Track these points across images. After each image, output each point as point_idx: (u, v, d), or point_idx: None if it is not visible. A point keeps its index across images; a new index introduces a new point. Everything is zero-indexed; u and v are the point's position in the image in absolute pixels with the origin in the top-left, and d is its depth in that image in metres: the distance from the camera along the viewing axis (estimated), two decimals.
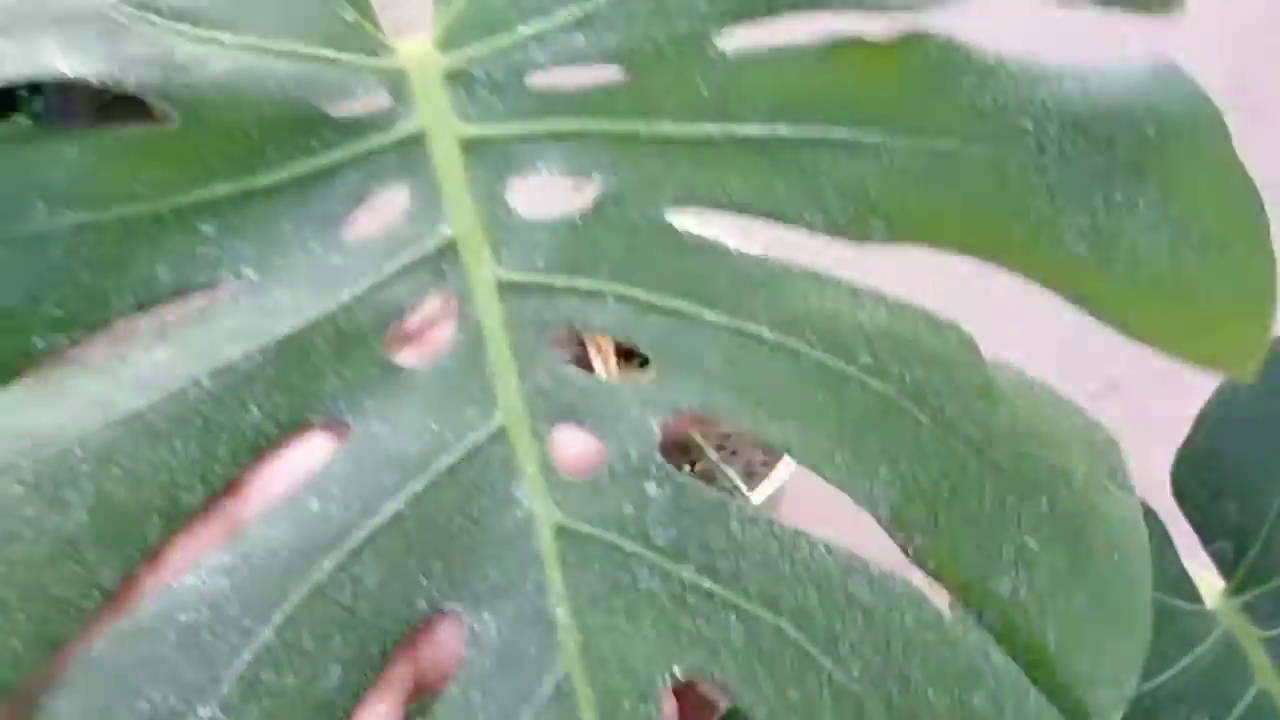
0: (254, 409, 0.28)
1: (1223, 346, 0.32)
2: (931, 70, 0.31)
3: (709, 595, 0.29)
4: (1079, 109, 0.31)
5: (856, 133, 0.31)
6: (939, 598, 0.31)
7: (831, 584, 0.30)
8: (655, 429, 0.30)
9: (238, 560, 0.27)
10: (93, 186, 0.28)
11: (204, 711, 0.26)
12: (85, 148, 0.28)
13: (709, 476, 0.67)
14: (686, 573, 0.29)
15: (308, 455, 0.28)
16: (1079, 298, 0.31)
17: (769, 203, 0.31)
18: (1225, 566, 0.51)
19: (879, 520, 0.30)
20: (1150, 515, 0.47)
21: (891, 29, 0.31)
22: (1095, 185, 0.31)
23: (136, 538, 0.26)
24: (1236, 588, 0.51)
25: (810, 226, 0.31)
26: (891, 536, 0.31)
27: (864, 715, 0.29)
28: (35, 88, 1.46)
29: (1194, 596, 0.50)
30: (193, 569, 0.26)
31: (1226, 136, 0.31)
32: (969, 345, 0.32)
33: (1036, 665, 0.30)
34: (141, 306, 0.29)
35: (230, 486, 0.27)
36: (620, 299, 0.31)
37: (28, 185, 0.27)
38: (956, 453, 0.31)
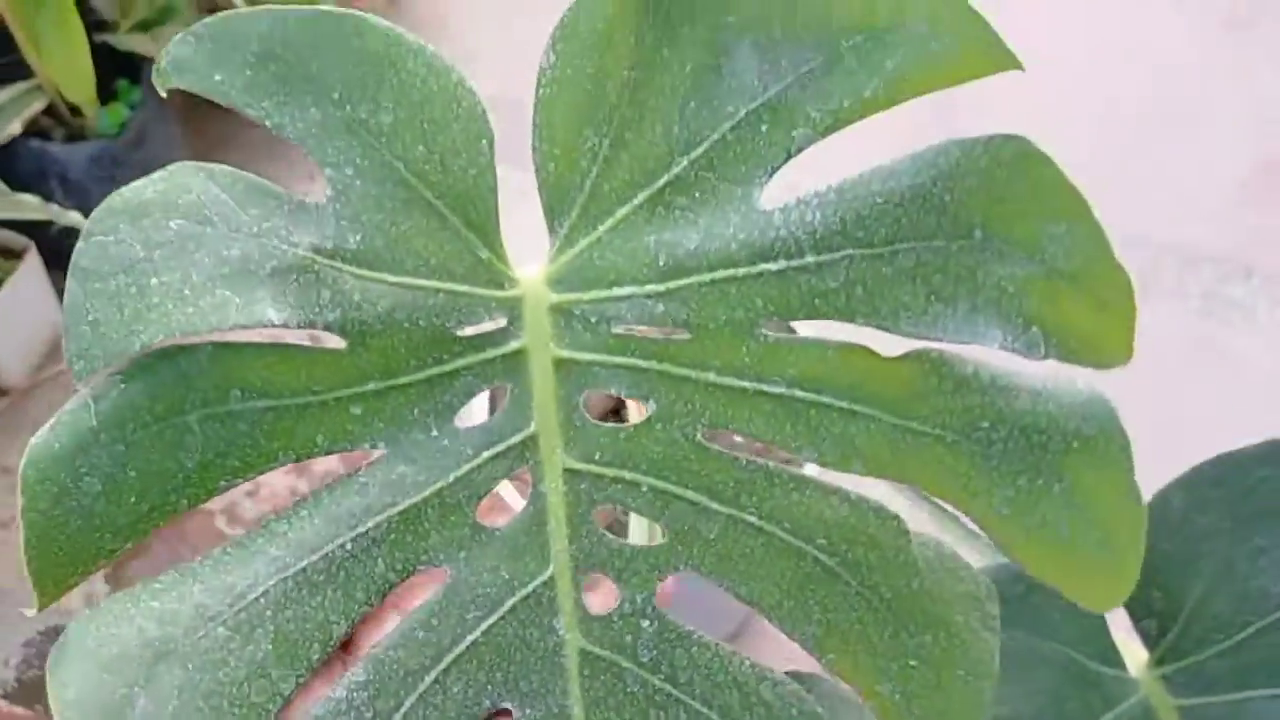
0: (381, 563, 0.39)
1: (1090, 597, 0.42)
2: (918, 377, 0.40)
3: (669, 695, 0.41)
4: (1025, 420, 0.40)
5: (851, 405, 0.40)
6: None
7: (748, 688, 0.42)
8: (657, 583, 0.42)
9: (370, 677, 0.38)
10: (276, 383, 0.38)
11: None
12: (276, 356, 0.37)
13: None
14: (657, 681, 0.41)
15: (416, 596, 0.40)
16: (997, 542, 0.42)
17: (780, 439, 0.41)
18: (1150, 642, 0.59)
19: (805, 648, 0.42)
20: None
21: (898, 346, 0.39)
22: (1024, 473, 0.41)
23: (304, 660, 0.37)
24: (1157, 661, 0.59)
25: (808, 460, 0.41)
26: (813, 657, 0.42)
27: None
28: (135, 79, 1.47)
29: (1119, 664, 0.59)
30: (340, 683, 0.38)
31: (1129, 460, 0.40)
32: (900, 531, 0.42)
33: None
34: (299, 459, 0.39)
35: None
36: (651, 489, 0.41)
37: (226, 381, 0.37)
38: (872, 605, 0.42)
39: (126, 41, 1.43)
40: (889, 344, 0.40)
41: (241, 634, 0.37)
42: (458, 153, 0.38)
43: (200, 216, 0.36)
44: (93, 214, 0.36)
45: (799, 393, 0.40)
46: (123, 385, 0.36)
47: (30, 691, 1.13)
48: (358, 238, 0.38)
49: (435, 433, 0.40)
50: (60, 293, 1.49)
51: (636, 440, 0.41)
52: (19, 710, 1.08)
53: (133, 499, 0.36)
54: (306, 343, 0.38)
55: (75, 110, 1.40)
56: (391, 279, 0.38)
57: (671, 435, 0.41)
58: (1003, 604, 0.57)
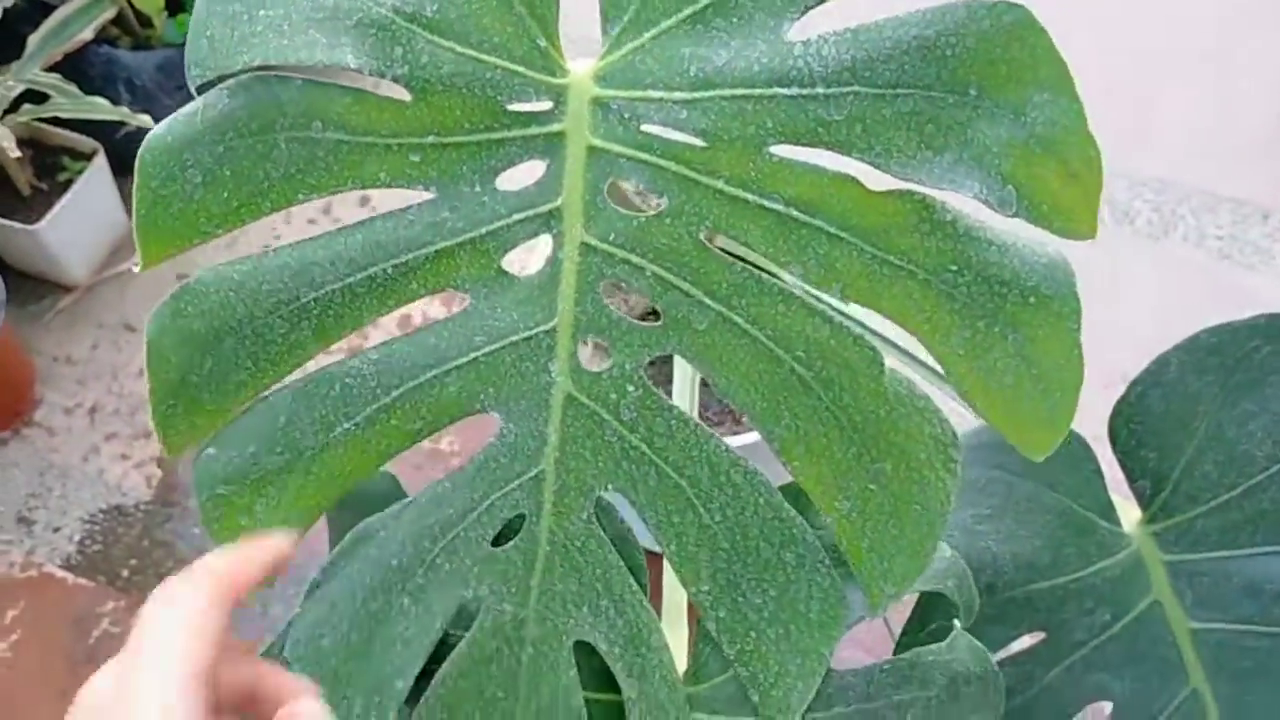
0: (415, 284, 0.46)
1: (1028, 443, 0.47)
2: (900, 214, 0.44)
3: (642, 454, 0.49)
4: (990, 270, 0.44)
5: (838, 231, 0.45)
6: None
7: (719, 467, 0.48)
8: (647, 356, 0.48)
9: (380, 357, 0.47)
10: (351, 121, 0.45)
11: (344, 425, 0.47)
12: (353, 99, 0.45)
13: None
14: (633, 439, 0.49)
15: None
16: (951, 379, 0.47)
17: (771, 252, 0.46)
18: (1143, 501, 0.63)
19: (772, 449, 0.48)
20: (1088, 452, 0.62)
21: (886, 182, 0.44)
22: (983, 318, 0.45)
23: (331, 339, 0.46)
24: (1149, 518, 0.63)
25: (793, 275, 0.47)
26: (778, 459, 0.49)
27: (716, 545, 0.49)
28: None
29: (1114, 520, 0.63)
30: (356, 357, 0.47)
31: (1078, 323, 0.44)
32: (874, 361, 0.47)
33: (851, 556, 0.48)
34: (364, 188, 0.46)
35: None
36: (654, 274, 0.47)
37: (311, 112, 0.44)
38: (839, 422, 0.47)
39: None
40: (878, 185, 0.45)
41: (291, 322, 0.45)
42: None
43: None
44: None
45: (794, 212, 0.45)
46: (228, 99, 0.44)
47: (92, 564, 1.18)
48: (434, 7, 0.44)
49: (478, 189, 0.47)
50: (125, 196, 1.50)
51: (647, 229, 0.47)
52: (82, 581, 1.16)
53: (226, 194, 0.44)
54: (379, 92, 0.45)
55: (143, 20, 1.43)
56: (458, 48, 0.44)
57: (678, 230, 0.47)
58: (1009, 452, 0.62)
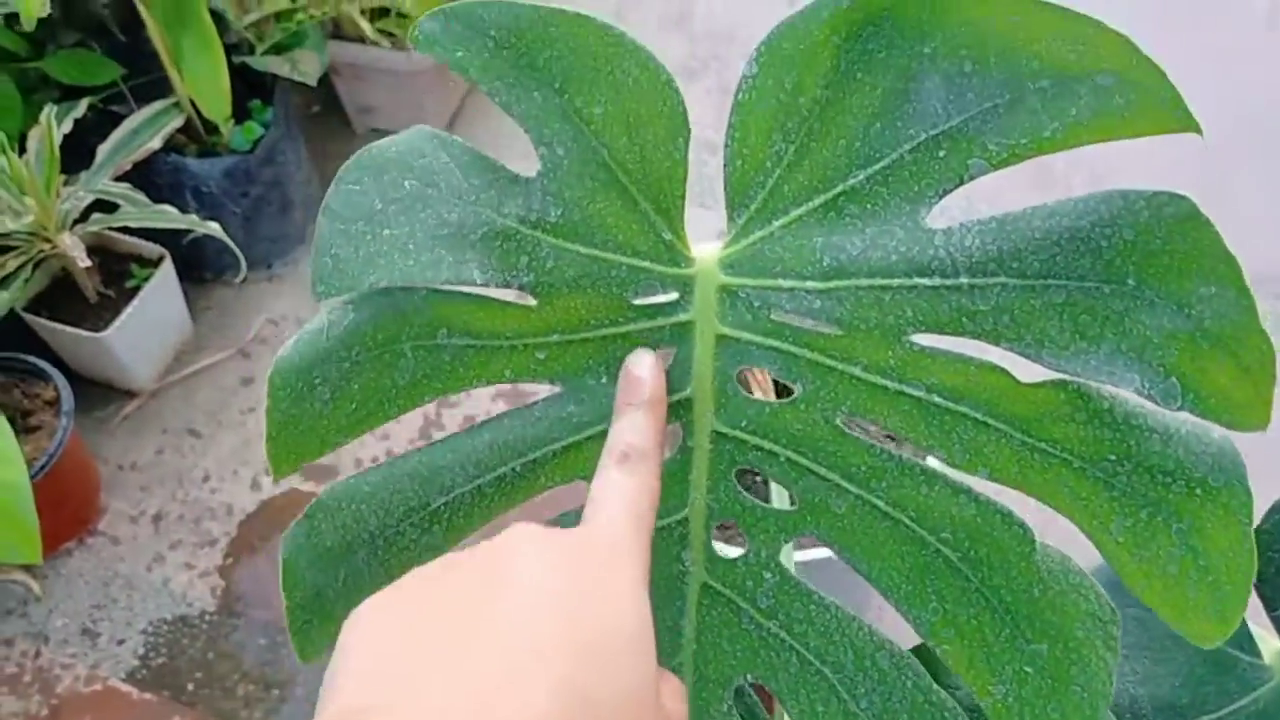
0: (544, 479, 0.45)
1: (1194, 632, 0.44)
2: (1054, 403, 0.42)
3: (782, 641, 0.47)
4: (1153, 460, 0.42)
5: (985, 418, 0.43)
6: None
7: (863, 651, 0.47)
8: (784, 541, 0.47)
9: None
10: (476, 327, 0.44)
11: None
12: (477, 305, 0.44)
13: None
14: (772, 626, 0.47)
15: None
16: (1110, 563, 0.44)
17: (913, 436, 0.44)
18: None
19: (920, 634, 0.46)
20: None
21: (1038, 373, 0.42)
22: (1145, 508, 0.43)
23: (462, 537, 0.45)
24: None
25: (937, 458, 0.45)
26: (927, 642, 0.47)
27: None
28: (267, 100, 1.48)
29: (1255, 652, 0.60)
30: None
31: (1250, 515, 0.42)
32: (1026, 539, 0.45)
33: None
34: (489, 384, 0.46)
35: None
36: (788, 460, 0.46)
37: (436, 322, 0.44)
38: (990, 604, 0.45)
39: (262, 63, 1.47)
40: (1027, 373, 0.42)
41: (421, 528, 0.45)
42: (657, 145, 0.42)
43: (430, 180, 0.42)
44: (344, 165, 0.43)
45: (937, 398, 0.43)
46: (353, 314, 0.43)
47: (157, 677, 1.17)
48: (559, 211, 0.43)
49: (604, 380, 0.45)
50: (190, 301, 1.51)
51: (780, 416, 0.45)
52: (147, 695, 1.15)
53: (353, 406, 0.44)
54: (506, 298, 0.44)
55: (210, 127, 1.45)
56: (583, 250, 0.43)
57: (813, 416, 0.45)
58: None
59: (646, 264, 0.44)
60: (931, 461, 0.47)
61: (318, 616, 0.45)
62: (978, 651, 0.46)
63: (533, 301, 0.44)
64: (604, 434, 0.46)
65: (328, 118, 1.77)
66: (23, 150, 1.29)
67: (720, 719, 0.48)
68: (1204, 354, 0.39)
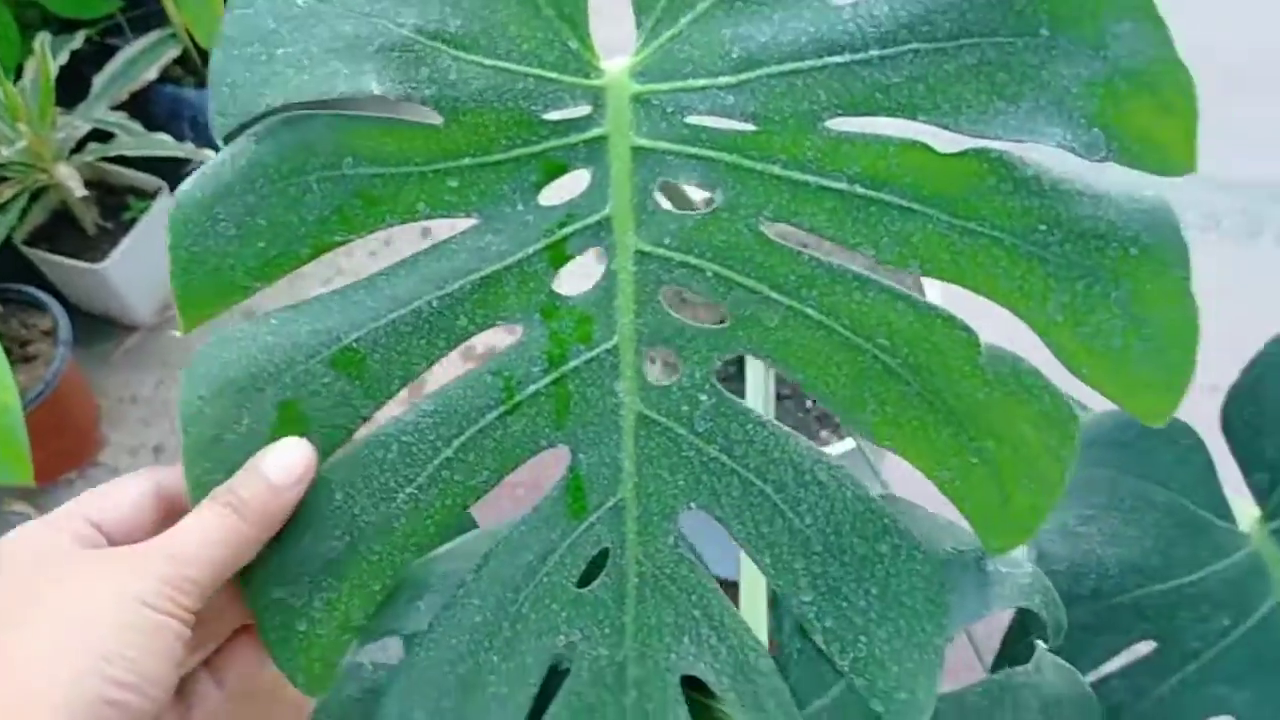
0: (463, 318, 0.44)
1: (1143, 409, 0.43)
2: (978, 175, 0.41)
3: (723, 465, 0.45)
4: (1085, 225, 0.41)
5: (910, 203, 0.42)
6: None
7: (803, 467, 0.45)
8: (717, 361, 0.45)
9: (438, 407, 0.44)
10: (383, 152, 0.43)
11: (406, 490, 0.44)
12: (383, 129, 0.42)
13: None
14: (713, 450, 0.45)
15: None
16: (1053, 349, 0.43)
17: (839, 235, 0.43)
18: (1261, 497, 0.59)
19: (862, 434, 0.45)
20: (1199, 445, 0.58)
21: (957, 142, 0.41)
22: (1081, 278, 0.41)
23: (384, 392, 0.43)
24: (1269, 515, 0.58)
25: (866, 256, 0.43)
26: (870, 442, 0.45)
27: (811, 550, 0.45)
28: None
29: (1229, 517, 0.58)
30: (410, 411, 0.44)
31: (1188, 269, 0.40)
32: (969, 342, 0.44)
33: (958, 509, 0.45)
34: (403, 222, 0.44)
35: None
36: (715, 274, 0.44)
37: (341, 148, 0.42)
38: (933, 407, 0.44)
39: None
40: (948, 146, 0.41)
41: (337, 367, 0.43)
42: None
43: None
44: None
45: (859, 189, 0.42)
46: (255, 146, 0.42)
47: None
48: (458, 22, 0.42)
49: (521, 208, 0.44)
50: None
51: (704, 228, 0.44)
52: None
53: (262, 244, 0.42)
54: (414, 119, 0.43)
55: (206, 57, 1.45)
56: (487, 61, 0.42)
57: (736, 225, 0.44)
58: (1113, 448, 0.58)
59: (554, 75, 0.43)
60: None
61: (214, 462, 0.43)
62: (922, 447, 0.44)
63: (439, 120, 0.42)
64: (523, 265, 0.44)
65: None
66: (18, 79, 1.30)
67: (668, 552, 0.46)
68: (1123, 96, 0.39)
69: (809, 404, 0.79)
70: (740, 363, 0.53)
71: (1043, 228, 0.41)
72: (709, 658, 0.47)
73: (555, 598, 0.46)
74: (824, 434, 0.78)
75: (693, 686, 0.49)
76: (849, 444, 0.75)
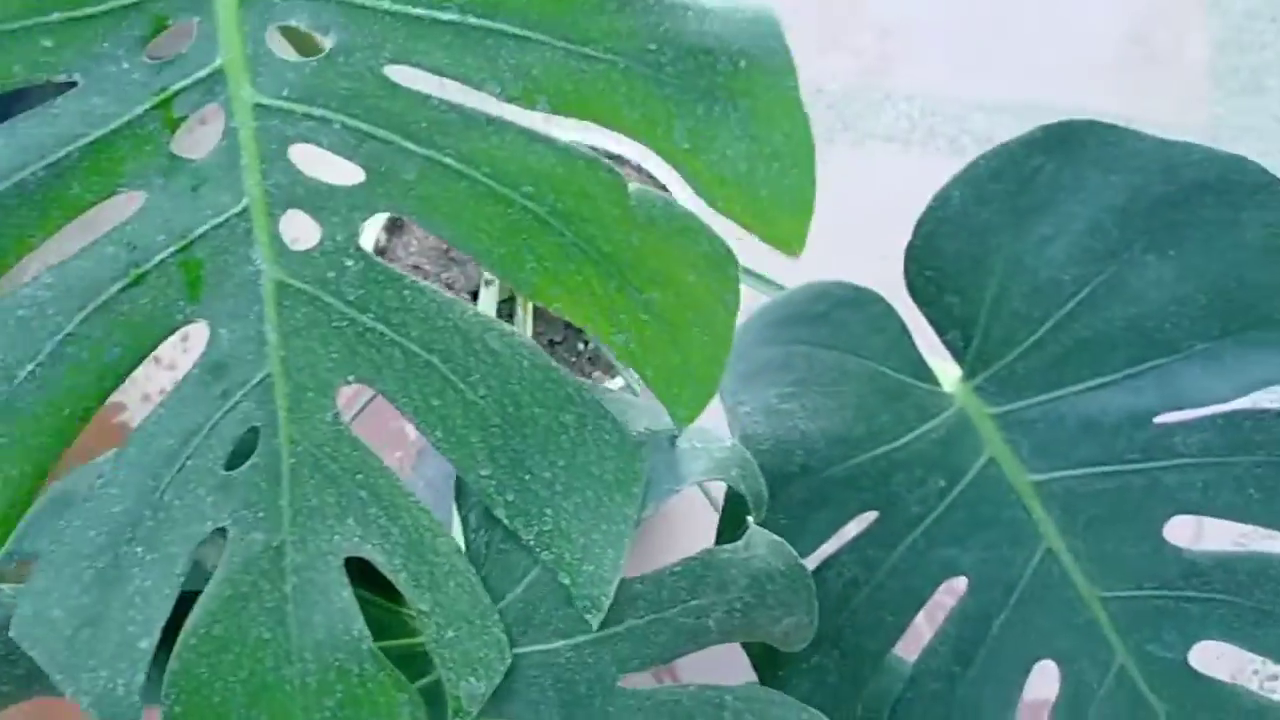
0: (76, 186, 0.41)
1: (778, 234, 0.42)
2: None
3: (381, 335, 0.43)
4: (692, 39, 0.40)
5: (526, 31, 0.41)
6: None
7: (472, 336, 0.43)
8: (359, 222, 0.43)
9: (57, 280, 0.41)
10: None
11: (26, 367, 0.41)
12: None
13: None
14: (367, 320, 0.43)
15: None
16: (683, 175, 0.42)
17: (462, 72, 0.42)
18: (958, 355, 0.57)
19: (530, 296, 0.43)
20: (891, 312, 0.57)
21: None
22: (700, 100, 0.41)
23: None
24: (969, 372, 0.57)
25: (492, 94, 0.42)
26: (538, 303, 0.44)
27: (487, 422, 0.44)
28: None
29: (930, 379, 0.57)
30: (28, 284, 0.41)
31: (795, 79, 0.40)
32: (615, 185, 0.42)
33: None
34: (3, 90, 0.41)
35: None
36: (344, 126, 0.42)
37: None
38: (591, 257, 0.43)
39: None
40: None
41: None
42: None
43: None
44: None
45: (471, 19, 0.41)
46: None
47: None
48: None
49: (126, 65, 0.42)
50: None
51: (323, 75, 0.42)
52: None
53: None
54: None
55: None
56: None
57: (357, 69, 0.42)
58: (806, 323, 0.57)
59: None
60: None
61: None
62: (590, 306, 0.43)
63: None
64: (133, 127, 0.42)
65: None
66: None
67: (327, 429, 0.44)
68: None
69: (580, 346, 0.77)
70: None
71: (653, 46, 0.40)
72: (377, 538, 0.44)
73: (201, 482, 0.44)
74: (595, 374, 0.76)
75: (373, 591, 0.47)
76: (620, 382, 0.74)
